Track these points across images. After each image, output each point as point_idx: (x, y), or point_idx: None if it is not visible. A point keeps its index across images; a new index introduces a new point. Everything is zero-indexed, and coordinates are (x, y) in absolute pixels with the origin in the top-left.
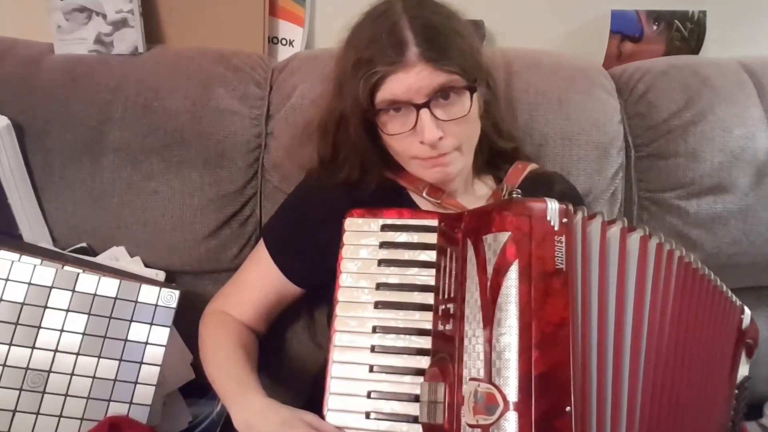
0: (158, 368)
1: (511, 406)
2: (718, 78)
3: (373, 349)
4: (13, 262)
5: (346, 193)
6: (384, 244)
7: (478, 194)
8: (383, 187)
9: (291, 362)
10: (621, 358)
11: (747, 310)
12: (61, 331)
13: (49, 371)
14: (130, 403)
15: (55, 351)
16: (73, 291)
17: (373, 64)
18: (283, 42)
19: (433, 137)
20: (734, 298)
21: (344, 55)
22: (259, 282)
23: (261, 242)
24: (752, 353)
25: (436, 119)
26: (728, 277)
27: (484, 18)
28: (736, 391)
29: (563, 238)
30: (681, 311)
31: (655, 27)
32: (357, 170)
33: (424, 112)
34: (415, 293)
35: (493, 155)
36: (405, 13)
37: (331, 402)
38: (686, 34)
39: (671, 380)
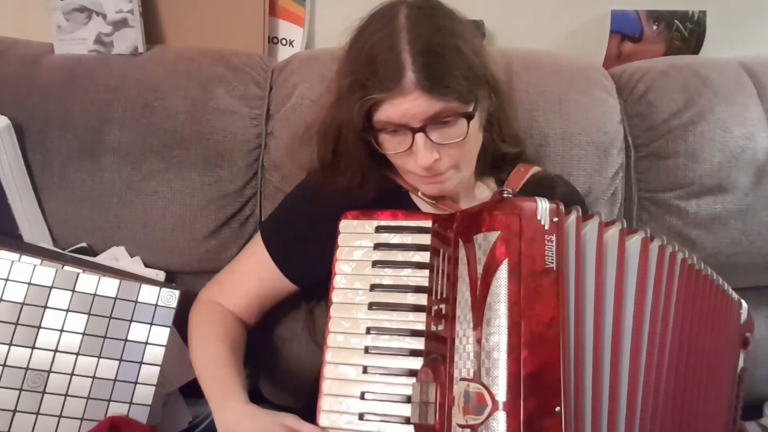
0: (158, 368)
1: (500, 406)
2: (718, 78)
3: (367, 350)
4: (13, 262)
5: (345, 193)
6: (378, 246)
7: (478, 197)
8: (383, 187)
9: (291, 362)
10: (619, 358)
11: (744, 304)
12: (61, 331)
13: (49, 371)
14: (130, 403)
15: (55, 351)
16: (73, 291)
17: (368, 90)
18: (283, 42)
19: (427, 162)
20: (732, 292)
21: (343, 68)
22: (254, 275)
23: (258, 236)
24: (748, 345)
25: (431, 142)
26: (728, 277)
27: (484, 18)
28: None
29: (554, 237)
30: (684, 314)
31: (655, 27)
32: (358, 176)
33: (420, 136)
34: (409, 294)
35: (496, 159)
36: (407, 31)
37: (324, 403)
38: (686, 34)
39: (675, 382)
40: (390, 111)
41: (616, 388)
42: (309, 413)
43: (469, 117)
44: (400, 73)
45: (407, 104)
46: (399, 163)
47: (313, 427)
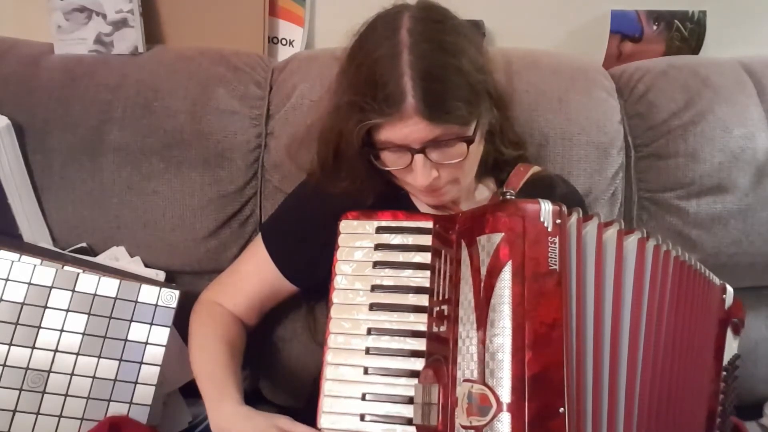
0: (158, 368)
1: (504, 407)
2: (718, 78)
3: (367, 351)
4: (13, 262)
5: (346, 194)
6: (379, 246)
7: (478, 199)
8: (383, 189)
9: (291, 363)
10: (618, 358)
11: (729, 289)
12: (61, 331)
13: (49, 371)
14: (130, 403)
15: (55, 351)
16: (73, 291)
17: (367, 114)
18: (283, 42)
19: (425, 181)
20: (715, 278)
21: (343, 80)
22: (255, 276)
23: (258, 237)
24: (739, 331)
25: (431, 162)
26: (728, 277)
27: (484, 18)
28: (725, 373)
29: (557, 239)
30: (678, 311)
31: (655, 27)
32: (358, 181)
33: (419, 157)
34: (410, 295)
35: (498, 162)
36: (408, 50)
37: (325, 404)
38: (686, 34)
39: (669, 379)
40: (389, 134)
41: (615, 386)
42: (309, 414)
43: (469, 141)
44: (400, 99)
45: (407, 129)
46: (398, 176)
47: (306, 428)
